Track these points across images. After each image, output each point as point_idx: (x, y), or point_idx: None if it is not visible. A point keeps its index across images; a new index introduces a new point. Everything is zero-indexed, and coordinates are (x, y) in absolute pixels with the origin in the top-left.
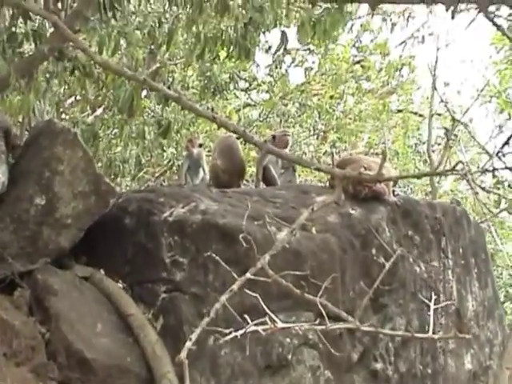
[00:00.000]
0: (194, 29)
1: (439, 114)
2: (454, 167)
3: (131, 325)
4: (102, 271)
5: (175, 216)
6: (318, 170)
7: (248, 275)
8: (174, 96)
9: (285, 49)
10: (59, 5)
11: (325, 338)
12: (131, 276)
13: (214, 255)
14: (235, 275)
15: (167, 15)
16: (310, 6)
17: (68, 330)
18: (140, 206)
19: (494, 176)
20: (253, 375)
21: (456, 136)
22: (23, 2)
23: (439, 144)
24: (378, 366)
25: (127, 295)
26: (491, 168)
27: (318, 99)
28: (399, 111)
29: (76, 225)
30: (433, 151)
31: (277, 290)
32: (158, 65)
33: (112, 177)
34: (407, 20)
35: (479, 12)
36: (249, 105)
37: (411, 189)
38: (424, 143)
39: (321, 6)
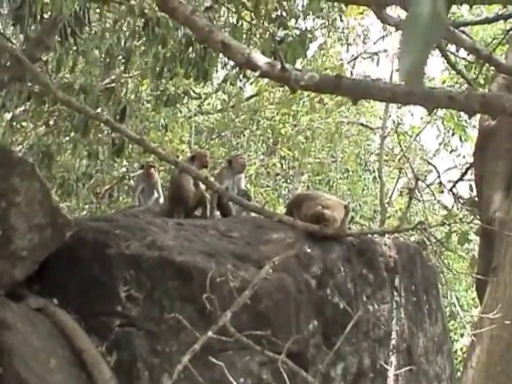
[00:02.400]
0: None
1: (394, 132)
2: (416, 226)
3: (85, 360)
4: (56, 301)
5: (131, 250)
6: (280, 221)
7: (209, 333)
8: (136, 138)
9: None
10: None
11: (279, 377)
12: (85, 308)
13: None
14: (191, 315)
15: (125, 29)
16: (270, 34)
17: (21, 367)
18: (96, 237)
19: (447, 209)
20: None
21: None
22: None
23: (393, 154)
24: None
25: (81, 329)
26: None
27: (271, 117)
28: (350, 123)
29: (31, 257)
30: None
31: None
32: (113, 77)
33: (63, 195)
34: (363, 37)
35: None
36: (201, 113)
37: (360, 205)
38: (372, 154)
39: (280, 40)
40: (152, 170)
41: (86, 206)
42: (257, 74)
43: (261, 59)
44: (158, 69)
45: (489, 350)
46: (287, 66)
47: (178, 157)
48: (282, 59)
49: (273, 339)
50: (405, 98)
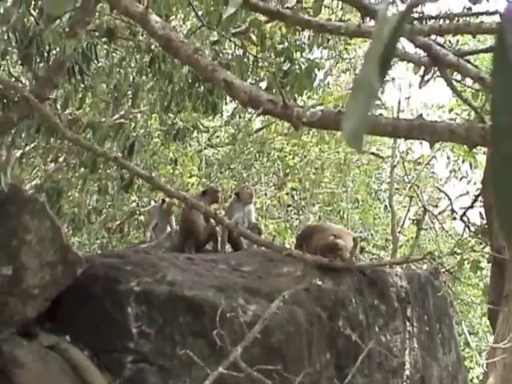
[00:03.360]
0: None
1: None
2: (424, 256)
3: None
4: (68, 338)
5: (142, 286)
6: (289, 255)
7: (220, 369)
8: (146, 175)
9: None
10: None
11: None
12: (97, 344)
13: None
14: (203, 349)
15: (132, 65)
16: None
17: None
18: (107, 273)
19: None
20: None
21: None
22: None
23: (402, 183)
24: None
25: (93, 366)
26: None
27: (281, 148)
28: (360, 152)
29: (43, 295)
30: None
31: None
32: (122, 113)
33: (74, 231)
34: None
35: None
36: (210, 146)
37: (371, 234)
38: (383, 183)
39: (286, 72)
40: (172, 205)
41: (98, 241)
42: (259, 111)
43: (263, 96)
44: (165, 103)
45: (502, 378)
46: (290, 102)
47: (188, 191)
48: (283, 96)
49: (284, 374)
50: (406, 133)
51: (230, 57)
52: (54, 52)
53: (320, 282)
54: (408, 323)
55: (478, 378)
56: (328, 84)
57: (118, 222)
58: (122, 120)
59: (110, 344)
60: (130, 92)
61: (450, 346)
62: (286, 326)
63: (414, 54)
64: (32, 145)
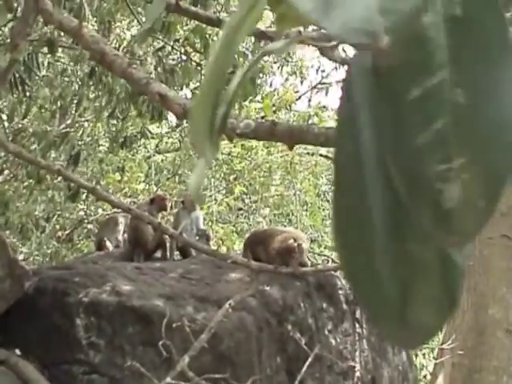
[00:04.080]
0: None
1: None
2: None
3: None
4: (18, 351)
5: (90, 297)
6: (234, 263)
7: (168, 379)
8: (89, 187)
9: None
10: None
11: None
12: (47, 357)
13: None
14: (153, 359)
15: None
16: None
17: None
18: (55, 286)
19: None
20: None
21: None
22: None
23: None
24: None
25: (44, 379)
26: None
27: (228, 152)
28: (308, 154)
29: None
30: None
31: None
32: (68, 122)
33: (23, 240)
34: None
35: None
36: (158, 152)
37: (321, 236)
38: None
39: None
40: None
41: (48, 251)
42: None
43: None
44: (109, 111)
45: (451, 377)
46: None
47: (136, 197)
48: None
49: (232, 382)
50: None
51: (174, 62)
52: None
53: (268, 288)
54: (357, 325)
55: (430, 374)
56: (275, 89)
57: (67, 232)
58: (68, 129)
59: (60, 356)
60: (74, 101)
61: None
62: (236, 332)
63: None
64: None
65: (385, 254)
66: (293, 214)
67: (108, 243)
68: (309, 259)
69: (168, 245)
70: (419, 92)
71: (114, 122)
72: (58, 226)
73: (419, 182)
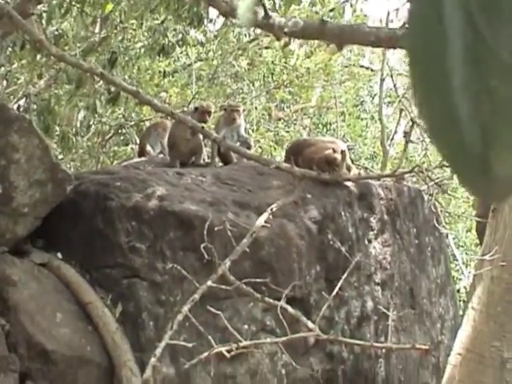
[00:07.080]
0: None
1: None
2: (413, 169)
3: (90, 313)
4: (60, 255)
5: (132, 202)
6: (278, 168)
7: (209, 283)
8: (133, 90)
9: None
10: None
11: (282, 323)
12: (89, 261)
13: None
14: (194, 264)
15: None
16: None
17: (28, 322)
18: (97, 190)
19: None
20: (211, 362)
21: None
22: None
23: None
24: (334, 348)
25: (85, 282)
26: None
27: (272, 61)
28: (346, 67)
29: (33, 213)
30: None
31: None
32: (108, 28)
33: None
34: None
35: None
36: (200, 60)
37: (359, 146)
38: (373, 97)
39: None
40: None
41: (87, 158)
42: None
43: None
44: (149, 10)
45: (489, 290)
46: (272, 13)
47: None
48: (265, 6)
49: (273, 286)
50: (388, 42)
51: None
52: None
53: (309, 196)
54: (398, 236)
55: (465, 288)
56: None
57: (107, 137)
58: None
59: (101, 260)
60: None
61: (439, 258)
62: (276, 239)
63: None
64: (16, 64)
65: (464, 91)
66: (331, 124)
67: (149, 149)
68: (352, 163)
69: (204, 151)
70: None
71: (155, 29)
72: (97, 133)
73: (501, 13)
